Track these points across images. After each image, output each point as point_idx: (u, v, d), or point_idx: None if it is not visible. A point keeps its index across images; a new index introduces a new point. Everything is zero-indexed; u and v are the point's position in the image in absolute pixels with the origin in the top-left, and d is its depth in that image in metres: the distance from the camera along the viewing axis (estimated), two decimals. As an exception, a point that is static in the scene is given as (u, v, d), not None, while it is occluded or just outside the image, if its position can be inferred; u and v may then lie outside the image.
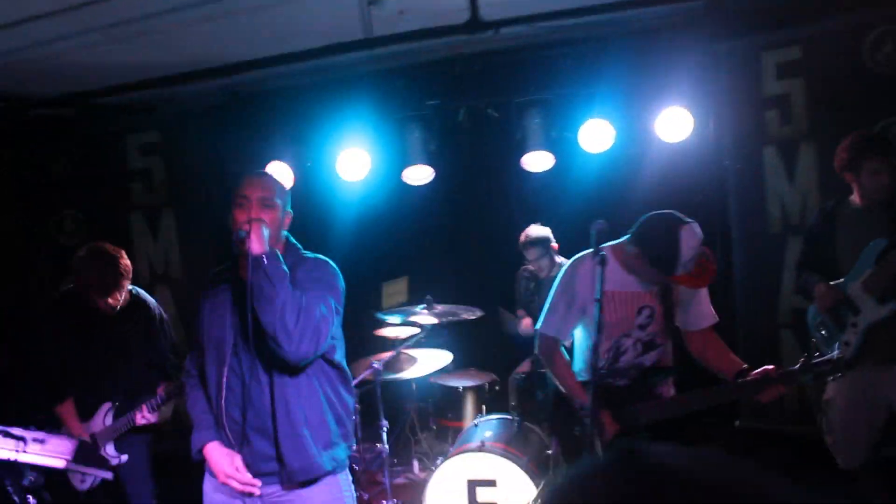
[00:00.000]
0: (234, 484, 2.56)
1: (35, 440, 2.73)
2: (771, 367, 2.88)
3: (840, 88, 4.36)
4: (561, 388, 3.15)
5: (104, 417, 3.68)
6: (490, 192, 5.94)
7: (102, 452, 3.56)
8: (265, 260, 2.42)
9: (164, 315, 3.98)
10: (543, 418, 4.27)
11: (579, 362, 3.23)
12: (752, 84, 4.69)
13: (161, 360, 3.84)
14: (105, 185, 5.80)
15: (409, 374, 4.86)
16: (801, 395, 4.70)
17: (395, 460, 5.38)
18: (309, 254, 2.77)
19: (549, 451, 4.18)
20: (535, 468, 3.96)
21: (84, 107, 5.57)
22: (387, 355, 4.59)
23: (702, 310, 3.15)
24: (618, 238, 3.11)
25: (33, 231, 5.96)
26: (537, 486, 3.83)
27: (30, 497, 2.69)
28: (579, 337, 3.24)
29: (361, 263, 6.11)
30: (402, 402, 5.41)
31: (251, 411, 2.57)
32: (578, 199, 5.28)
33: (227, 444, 2.62)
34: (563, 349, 3.22)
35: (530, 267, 5.26)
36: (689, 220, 2.83)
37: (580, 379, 3.15)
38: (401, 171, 5.41)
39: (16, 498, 2.69)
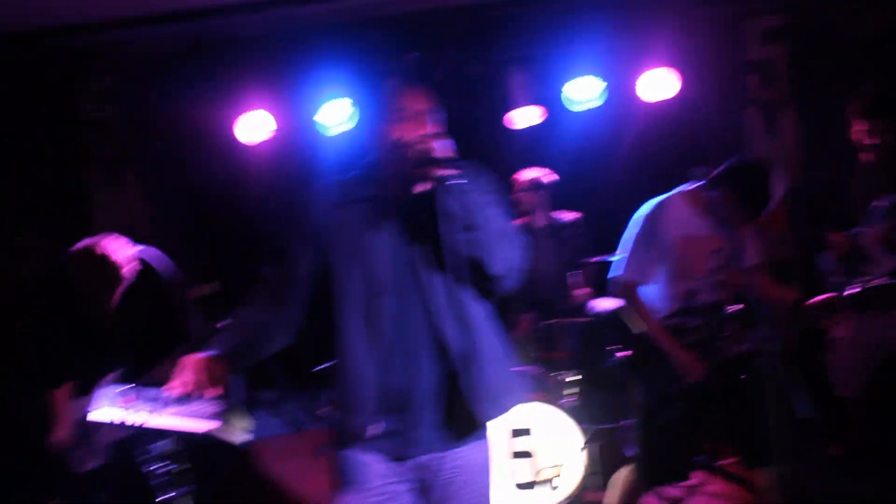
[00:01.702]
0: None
1: (169, 401, 2.42)
2: (833, 293, 3.14)
3: (819, 56, 4.76)
4: (643, 329, 3.28)
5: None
6: (472, 149, 5.88)
7: None
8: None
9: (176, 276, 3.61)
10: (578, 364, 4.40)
11: (655, 303, 3.35)
12: (735, 49, 5.01)
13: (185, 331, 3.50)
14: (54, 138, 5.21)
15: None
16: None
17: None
18: None
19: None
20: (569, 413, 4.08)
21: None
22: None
23: (754, 248, 3.39)
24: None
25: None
26: (584, 432, 3.95)
27: (168, 463, 2.43)
28: (655, 279, 3.36)
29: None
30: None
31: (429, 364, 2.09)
32: (563, 157, 5.40)
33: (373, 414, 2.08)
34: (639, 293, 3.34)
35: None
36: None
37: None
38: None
39: (154, 467, 2.42)
